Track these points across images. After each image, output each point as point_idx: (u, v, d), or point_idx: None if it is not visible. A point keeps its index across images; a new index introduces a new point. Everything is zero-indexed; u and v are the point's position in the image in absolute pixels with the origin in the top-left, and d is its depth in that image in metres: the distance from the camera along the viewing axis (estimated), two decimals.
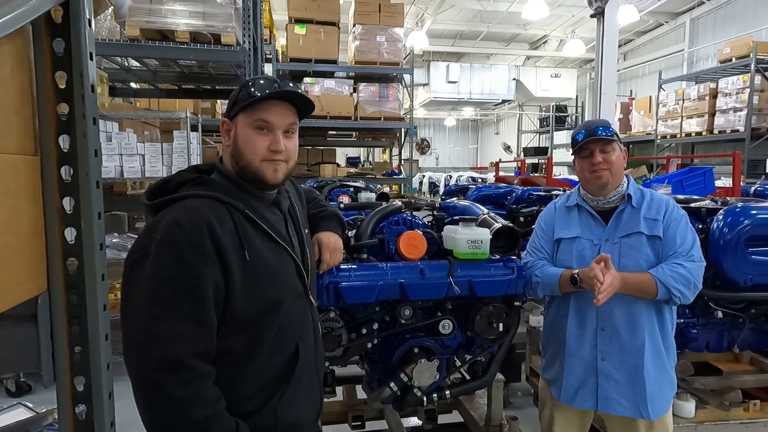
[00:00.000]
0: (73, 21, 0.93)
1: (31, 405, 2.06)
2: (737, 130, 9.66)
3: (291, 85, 1.28)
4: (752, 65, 9.38)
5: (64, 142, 0.95)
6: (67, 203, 0.96)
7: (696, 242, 1.85)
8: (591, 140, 1.85)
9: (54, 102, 0.94)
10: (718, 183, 6.46)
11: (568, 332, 1.91)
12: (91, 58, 0.96)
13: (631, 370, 1.82)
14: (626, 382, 1.83)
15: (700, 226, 2.47)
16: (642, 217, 1.85)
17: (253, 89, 1.22)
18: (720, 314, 2.47)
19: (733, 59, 10.04)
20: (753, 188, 5.35)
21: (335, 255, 1.58)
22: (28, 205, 0.90)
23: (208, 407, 1.08)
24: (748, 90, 9.42)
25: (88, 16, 0.96)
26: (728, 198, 2.89)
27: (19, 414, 2.01)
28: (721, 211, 2.41)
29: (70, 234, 0.97)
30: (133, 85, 6.21)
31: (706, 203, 2.58)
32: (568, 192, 2.17)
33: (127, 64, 5.41)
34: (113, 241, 4.02)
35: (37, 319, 0.93)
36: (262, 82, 1.25)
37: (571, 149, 1.96)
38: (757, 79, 9.46)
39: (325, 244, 1.56)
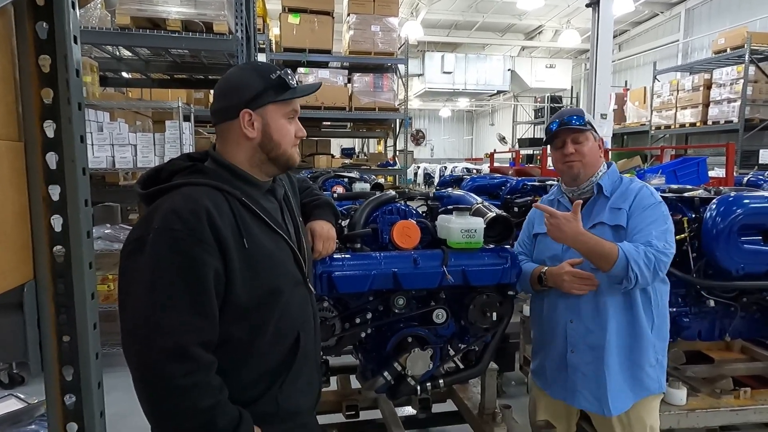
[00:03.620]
0: (57, 3, 0.91)
1: (22, 396, 2.06)
2: (731, 121, 9.68)
3: (290, 70, 1.30)
4: (746, 56, 9.38)
5: (48, 128, 0.93)
6: (53, 191, 0.95)
7: (663, 228, 1.72)
8: (562, 130, 1.82)
9: (38, 87, 0.92)
10: (711, 173, 6.49)
11: (545, 323, 1.92)
12: (76, 42, 0.94)
13: (596, 363, 1.80)
14: (592, 376, 1.81)
15: (694, 215, 2.47)
16: (608, 206, 1.81)
17: (292, 81, 1.25)
18: (712, 303, 2.48)
19: (728, 50, 10.04)
20: (746, 178, 5.37)
21: (328, 244, 1.57)
22: (13, 193, 0.89)
23: (212, 396, 1.08)
24: (742, 81, 9.43)
25: None
26: (721, 188, 2.90)
27: (11, 405, 2.01)
28: (714, 201, 2.42)
29: (56, 222, 0.95)
30: (124, 74, 6.15)
31: (700, 193, 2.59)
32: (555, 185, 2.16)
33: (118, 53, 5.34)
34: (105, 232, 4.00)
35: (24, 308, 0.92)
36: (289, 71, 1.27)
37: (544, 139, 1.95)
38: (751, 69, 9.46)
39: (318, 232, 1.55)
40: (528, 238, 2.05)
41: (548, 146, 1.94)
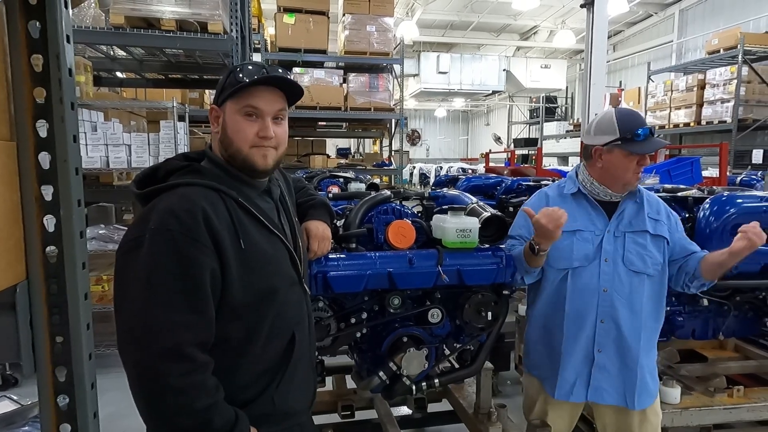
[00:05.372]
0: (49, 2, 0.90)
1: (15, 397, 2.05)
2: (724, 121, 9.74)
3: (280, 70, 1.25)
4: (740, 56, 9.43)
5: (41, 127, 0.93)
6: (46, 191, 0.94)
7: None
8: (651, 141, 1.76)
9: (30, 86, 0.91)
10: (705, 173, 6.53)
11: (566, 326, 1.86)
12: (68, 41, 0.93)
13: (625, 361, 1.82)
14: (617, 373, 1.84)
15: (687, 215, 2.49)
16: (647, 215, 1.85)
17: (241, 75, 1.20)
18: (705, 302, 2.50)
19: (721, 50, 10.09)
20: (739, 178, 5.41)
21: (323, 244, 1.57)
22: (5, 192, 0.88)
23: (209, 397, 1.08)
24: (736, 81, 9.48)
25: None
26: (715, 187, 2.91)
27: (5, 407, 2.00)
28: (707, 200, 2.43)
29: (49, 222, 0.95)
30: (119, 74, 6.12)
31: (693, 192, 2.60)
32: (557, 182, 2.12)
33: (112, 53, 5.32)
34: (99, 232, 3.98)
35: (16, 308, 0.91)
36: (250, 67, 1.22)
37: (624, 140, 1.76)
38: (745, 70, 9.51)
39: (314, 232, 1.55)
40: (528, 231, 1.91)
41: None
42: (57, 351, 0.96)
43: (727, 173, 5.88)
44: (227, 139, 1.23)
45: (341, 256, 1.75)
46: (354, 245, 1.83)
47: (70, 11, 0.95)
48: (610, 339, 1.83)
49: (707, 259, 1.82)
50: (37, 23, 0.91)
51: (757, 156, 9.34)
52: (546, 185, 3.03)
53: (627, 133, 1.75)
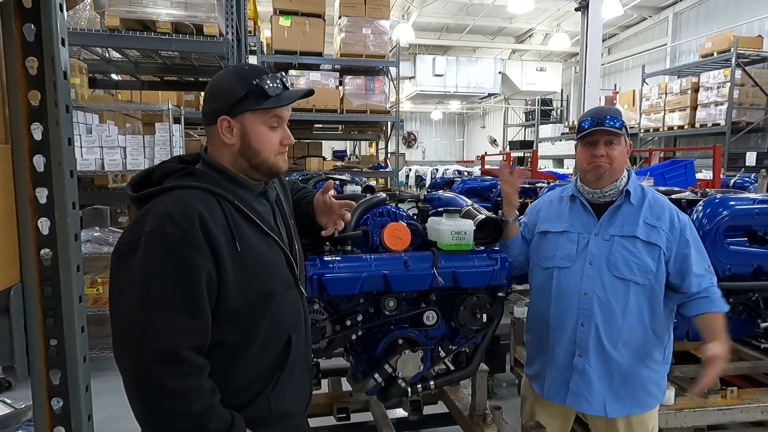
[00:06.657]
0: (44, 5, 0.91)
1: (9, 401, 2.03)
2: (718, 124, 9.82)
3: (279, 74, 1.26)
4: (733, 60, 9.52)
5: (36, 130, 0.93)
6: (41, 193, 0.94)
7: (707, 259, 1.83)
8: (597, 130, 1.76)
9: (25, 89, 0.92)
10: (699, 175, 6.57)
11: (550, 328, 1.88)
12: (63, 44, 0.94)
13: (609, 369, 1.79)
14: (598, 380, 1.80)
15: None
16: (642, 220, 1.78)
17: (272, 87, 1.20)
18: None
19: (715, 54, 10.17)
20: (732, 181, 5.44)
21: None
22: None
23: (204, 400, 1.08)
24: (729, 84, 9.56)
25: (59, 1, 0.93)
26: (708, 190, 2.93)
27: None
28: (700, 202, 2.45)
29: (44, 225, 0.95)
30: (114, 76, 6.11)
31: (687, 195, 2.62)
32: (564, 185, 2.14)
33: (107, 55, 5.31)
34: (95, 235, 3.97)
35: (10, 311, 0.91)
36: (270, 77, 1.22)
37: (576, 134, 1.88)
38: (738, 73, 9.60)
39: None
40: (524, 225, 2.03)
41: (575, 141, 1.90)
42: (51, 354, 0.96)
43: (721, 176, 5.92)
44: (252, 150, 1.22)
45: (337, 258, 1.75)
46: (349, 247, 1.83)
47: (65, 14, 0.95)
48: (591, 344, 1.80)
49: (699, 324, 1.82)
50: (32, 26, 0.91)
51: (751, 158, 9.42)
52: (541, 187, 3.05)
53: (578, 124, 1.85)
